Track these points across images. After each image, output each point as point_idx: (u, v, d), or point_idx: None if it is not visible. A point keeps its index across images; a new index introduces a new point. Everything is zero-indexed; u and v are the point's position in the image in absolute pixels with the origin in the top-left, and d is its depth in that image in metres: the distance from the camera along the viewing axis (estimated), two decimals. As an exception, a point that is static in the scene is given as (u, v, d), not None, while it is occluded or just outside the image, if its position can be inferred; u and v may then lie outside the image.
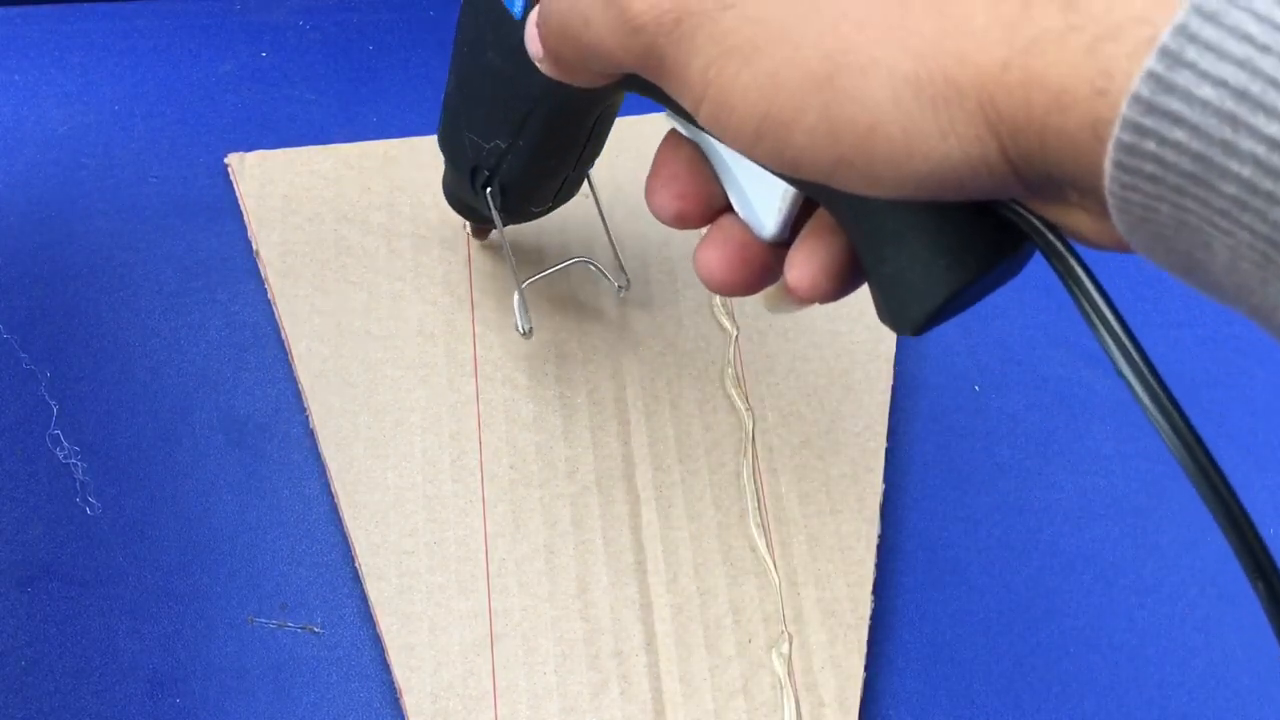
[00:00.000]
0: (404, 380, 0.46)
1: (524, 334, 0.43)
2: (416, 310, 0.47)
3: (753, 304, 0.49)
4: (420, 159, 0.51)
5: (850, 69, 0.23)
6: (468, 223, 0.47)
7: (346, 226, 0.49)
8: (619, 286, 0.48)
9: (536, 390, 0.46)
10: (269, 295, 0.47)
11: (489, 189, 0.40)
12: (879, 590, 0.44)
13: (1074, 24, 0.20)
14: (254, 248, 0.48)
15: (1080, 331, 0.51)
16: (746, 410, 0.46)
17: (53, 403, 0.45)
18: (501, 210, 0.41)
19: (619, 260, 0.48)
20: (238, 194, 0.49)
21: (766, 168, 0.26)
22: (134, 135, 0.52)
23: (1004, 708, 0.43)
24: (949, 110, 0.22)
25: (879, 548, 0.44)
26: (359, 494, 0.43)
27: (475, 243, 0.49)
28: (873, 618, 0.43)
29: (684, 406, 0.46)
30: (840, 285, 0.30)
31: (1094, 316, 0.23)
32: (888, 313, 0.28)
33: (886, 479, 0.46)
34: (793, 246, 0.30)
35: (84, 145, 0.51)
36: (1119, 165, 0.20)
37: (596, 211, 0.47)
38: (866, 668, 0.42)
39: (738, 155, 0.30)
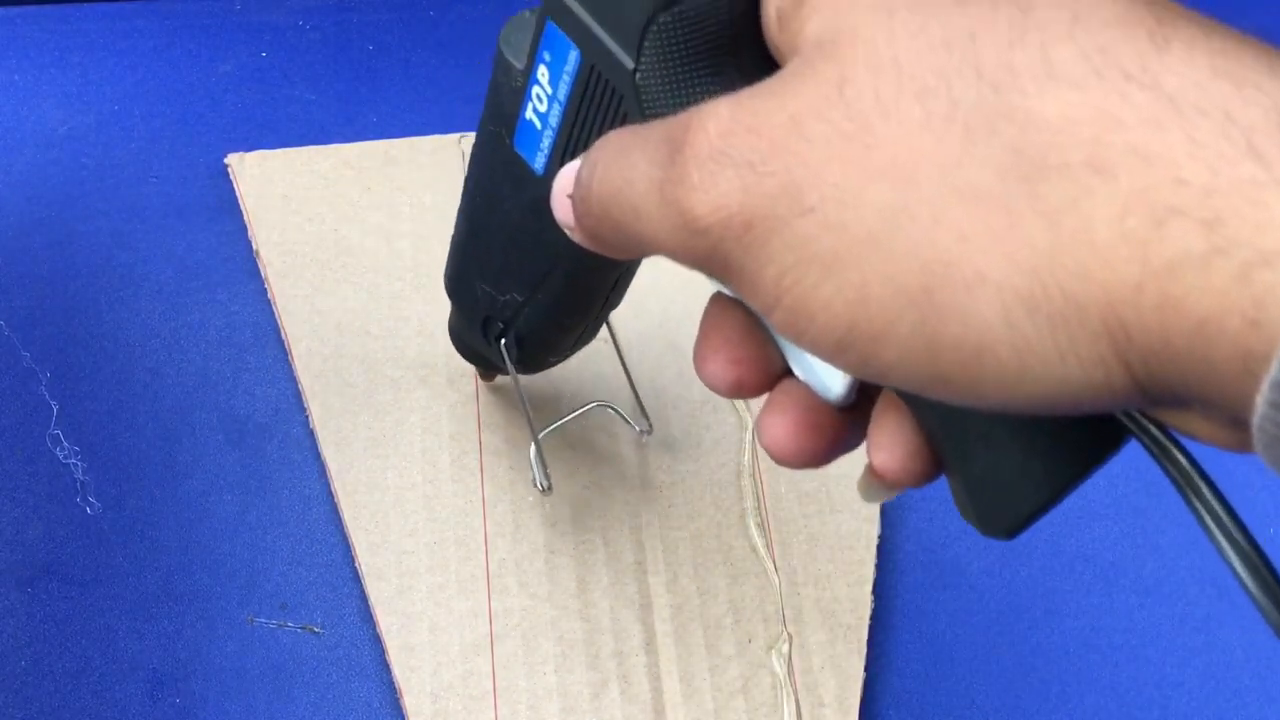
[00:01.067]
0: (404, 380, 0.46)
1: (543, 491, 0.41)
2: (416, 310, 0.47)
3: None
4: (420, 159, 0.51)
5: (952, 283, 0.20)
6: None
7: (346, 226, 0.49)
8: (641, 431, 0.44)
9: (536, 390, 0.46)
10: (269, 295, 0.47)
11: (503, 340, 0.38)
12: (879, 590, 0.44)
13: (1219, 246, 0.18)
14: (254, 248, 0.48)
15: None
16: (746, 410, 0.46)
17: (53, 402, 0.45)
18: (517, 363, 0.39)
19: (640, 403, 0.44)
20: (237, 194, 0.49)
21: (850, 372, 0.24)
22: (134, 135, 0.52)
23: (1004, 708, 0.43)
24: (1069, 330, 0.20)
25: (879, 548, 0.44)
26: (359, 494, 0.43)
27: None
28: (873, 618, 0.43)
29: (684, 406, 0.46)
30: (932, 467, 0.27)
31: (1216, 530, 0.22)
32: (974, 514, 0.25)
33: (886, 479, 0.46)
34: (872, 424, 0.27)
35: (84, 145, 0.51)
36: (1274, 404, 0.18)
37: (613, 350, 0.44)
38: (866, 668, 0.42)
39: None
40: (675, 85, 0.26)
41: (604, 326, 0.41)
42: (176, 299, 0.48)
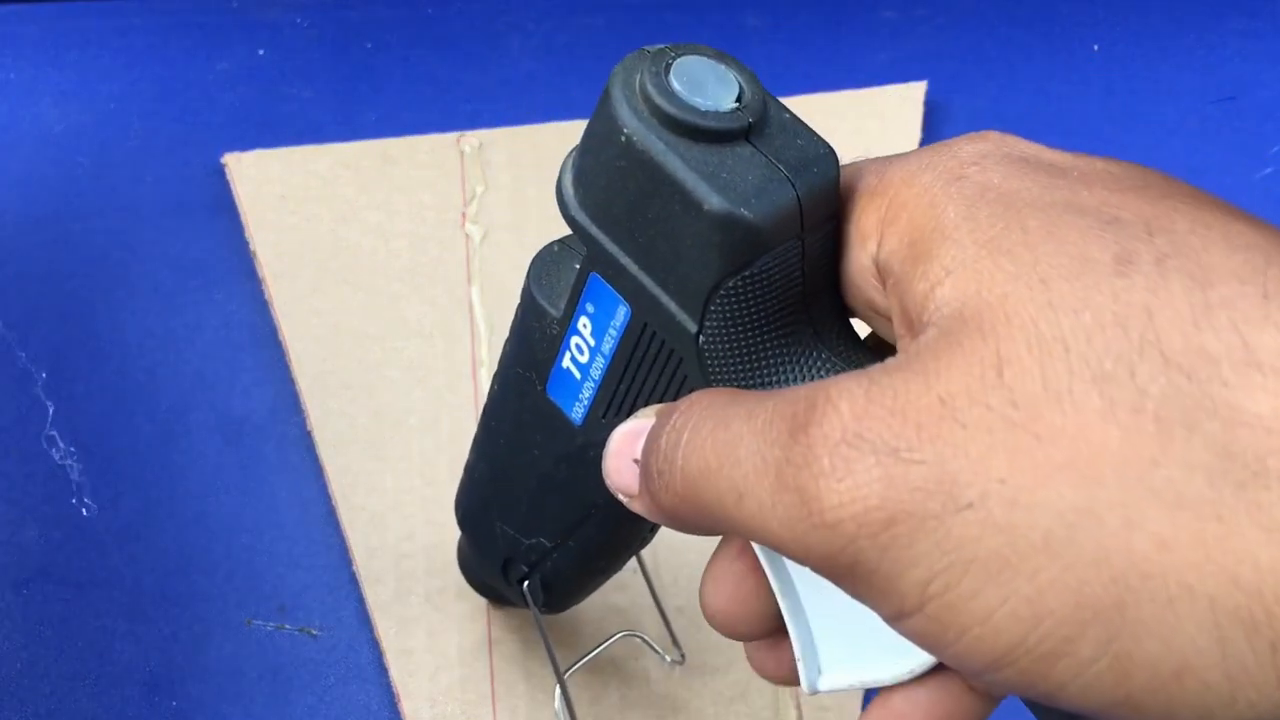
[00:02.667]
0: (402, 381, 0.45)
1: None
2: (415, 311, 0.47)
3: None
4: (418, 159, 0.50)
5: (1151, 597, 0.18)
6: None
7: (344, 226, 0.48)
8: (672, 660, 0.41)
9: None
10: (266, 296, 0.47)
11: (526, 583, 0.35)
12: (881, 593, 0.43)
13: None
14: (251, 248, 0.48)
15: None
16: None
17: (49, 403, 0.45)
18: (541, 604, 0.35)
19: (671, 632, 0.41)
20: (234, 194, 0.49)
21: (991, 687, 0.21)
22: (130, 134, 0.52)
23: (1004, 709, 0.43)
24: None
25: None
26: (356, 496, 0.43)
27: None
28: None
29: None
30: None
31: None
32: None
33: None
34: None
35: (80, 144, 0.51)
36: None
37: (640, 573, 0.41)
38: (868, 672, 0.42)
39: (827, 598, 0.24)
40: (745, 348, 0.24)
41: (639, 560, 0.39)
42: (173, 299, 0.48)
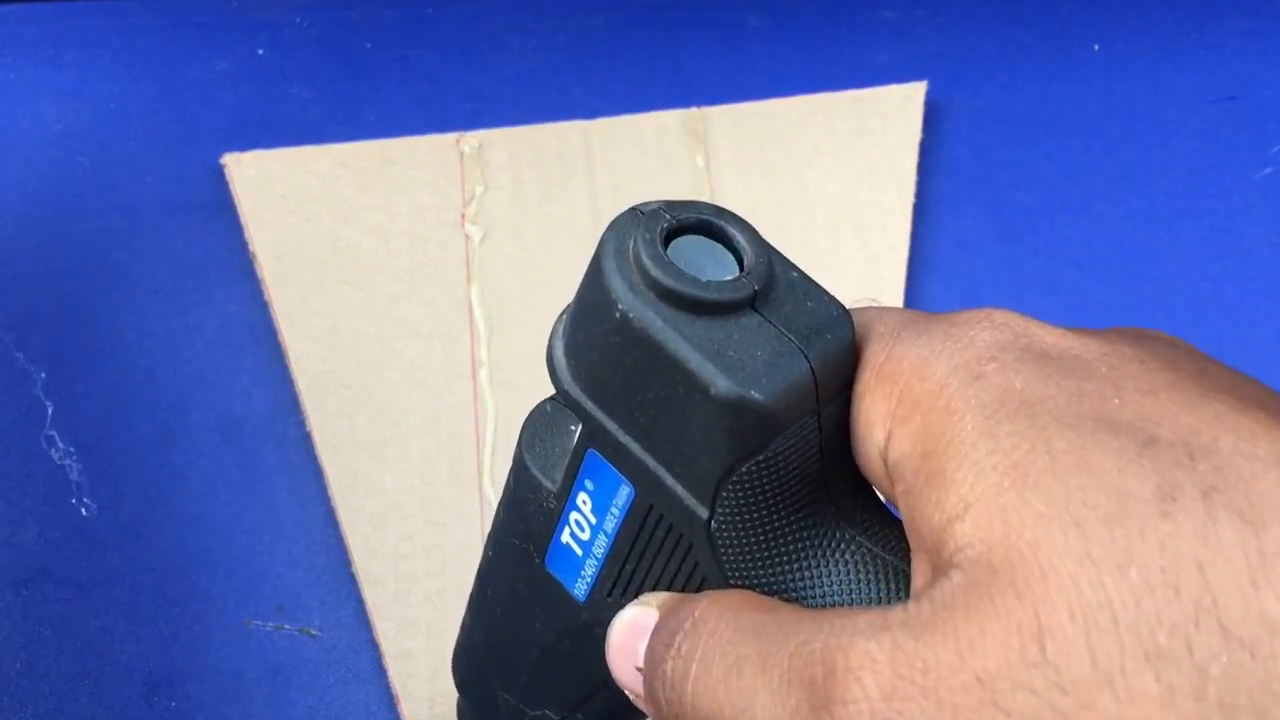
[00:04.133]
0: (401, 382, 0.45)
1: None
2: (414, 311, 0.47)
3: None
4: (418, 159, 0.50)
5: None
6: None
7: (343, 227, 0.48)
8: None
9: (534, 392, 0.45)
10: (265, 296, 0.47)
11: None
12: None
13: None
14: (250, 248, 0.48)
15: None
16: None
17: (48, 403, 0.45)
18: None
19: None
20: (234, 194, 0.49)
21: None
22: (130, 134, 0.51)
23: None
24: None
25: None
26: (356, 497, 0.43)
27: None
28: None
29: None
30: None
31: None
32: None
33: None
34: None
35: (79, 144, 0.51)
36: None
37: None
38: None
39: None
40: (762, 535, 0.22)
41: None
42: (172, 299, 0.48)
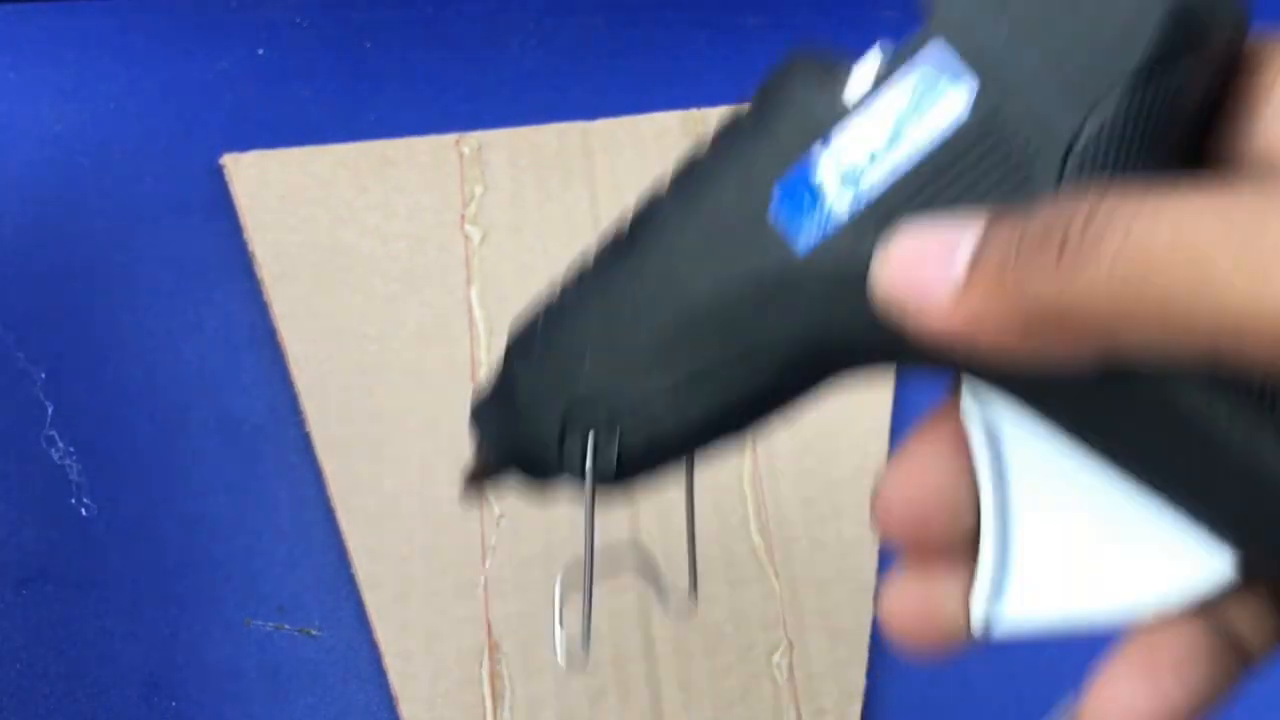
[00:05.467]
0: (401, 383, 0.45)
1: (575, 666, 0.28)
2: (413, 313, 0.47)
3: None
4: (417, 160, 0.50)
5: None
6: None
7: (342, 228, 0.48)
8: (674, 609, 0.35)
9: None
10: (265, 296, 0.47)
11: (592, 439, 0.25)
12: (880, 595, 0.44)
13: None
14: (249, 249, 0.48)
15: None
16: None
17: (48, 403, 0.45)
18: (600, 478, 0.25)
19: (694, 571, 0.31)
20: (233, 194, 0.49)
21: None
22: (130, 134, 0.51)
23: (1006, 713, 0.43)
24: None
25: (880, 552, 0.44)
26: (355, 499, 0.43)
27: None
28: (874, 624, 0.43)
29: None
30: None
31: None
32: None
33: (888, 482, 0.46)
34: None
35: (79, 143, 0.51)
36: None
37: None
38: (867, 674, 0.42)
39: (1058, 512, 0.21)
40: (1127, 164, 0.19)
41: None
42: (172, 299, 0.48)
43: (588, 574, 0.28)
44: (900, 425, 0.48)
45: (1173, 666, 0.20)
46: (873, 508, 0.22)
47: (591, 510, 0.26)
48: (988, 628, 0.21)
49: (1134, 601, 0.20)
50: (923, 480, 0.21)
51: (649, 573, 0.33)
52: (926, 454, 0.22)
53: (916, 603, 0.22)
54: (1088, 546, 0.20)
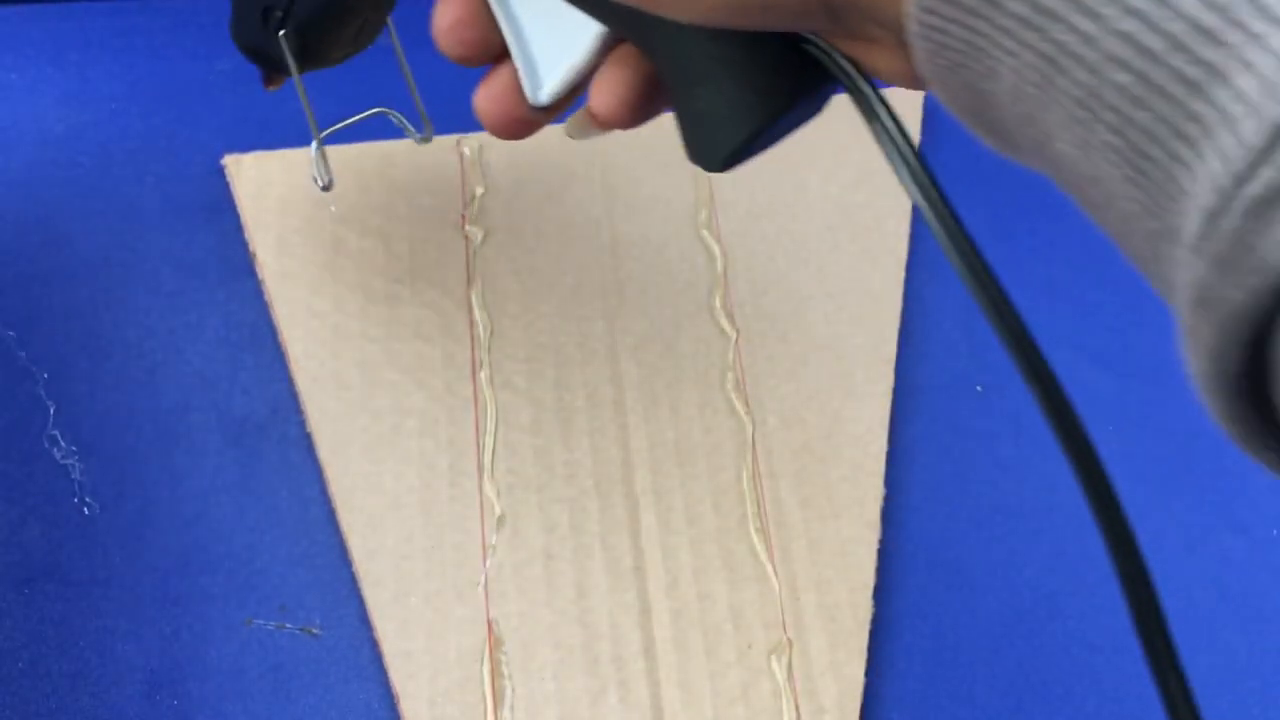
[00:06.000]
0: (401, 383, 0.45)
1: (324, 187, 0.43)
2: (414, 313, 0.47)
3: (753, 306, 0.49)
4: (418, 161, 0.50)
5: None
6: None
7: (343, 228, 0.48)
8: (421, 137, 0.45)
9: (534, 393, 0.46)
10: (266, 297, 0.47)
11: (283, 31, 0.38)
12: (880, 595, 0.44)
13: None
14: (251, 249, 0.48)
15: (1083, 331, 0.51)
16: (747, 414, 0.46)
17: (50, 403, 0.45)
18: (299, 55, 0.39)
19: (420, 108, 0.45)
20: (234, 195, 0.49)
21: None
22: (131, 134, 0.51)
23: (1006, 712, 0.43)
24: None
25: (880, 552, 0.44)
26: (356, 498, 0.43)
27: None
28: (873, 623, 0.43)
29: (684, 410, 0.46)
30: (640, 114, 0.30)
31: (891, 147, 0.25)
32: (696, 150, 0.29)
33: (888, 482, 0.46)
34: (596, 75, 0.30)
35: (81, 144, 0.51)
36: (925, 8, 0.20)
37: (401, 66, 0.45)
38: (867, 673, 0.42)
39: (526, 7, 0.31)
40: None
41: (388, 29, 0.43)
42: (174, 299, 0.48)
43: (313, 124, 0.42)
44: (899, 425, 0.48)
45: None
46: (436, 32, 0.32)
47: (303, 91, 0.41)
48: (538, 100, 0.31)
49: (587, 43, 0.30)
50: (456, 15, 0.31)
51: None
52: (464, 7, 0.31)
53: (495, 99, 0.32)
54: (558, 25, 0.30)
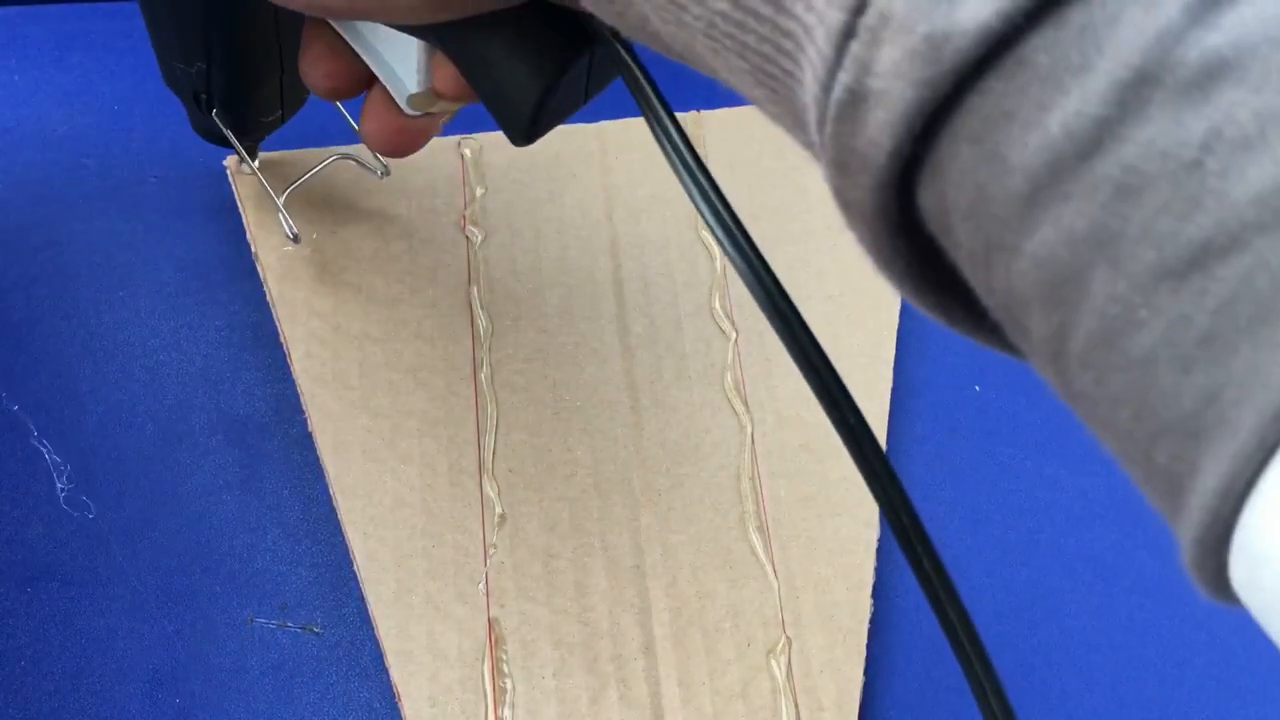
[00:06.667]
0: (402, 383, 0.46)
1: (293, 240, 0.46)
2: (415, 313, 0.47)
3: (753, 306, 0.49)
4: (418, 162, 0.50)
5: None
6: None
7: (345, 229, 0.49)
8: (380, 174, 0.48)
9: (535, 393, 0.46)
10: (268, 297, 0.47)
11: (214, 110, 0.42)
12: (878, 594, 0.44)
13: None
14: (252, 249, 0.48)
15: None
16: (746, 414, 0.46)
17: (52, 403, 0.45)
18: (233, 128, 0.43)
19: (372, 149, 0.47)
20: (236, 196, 0.49)
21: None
22: (134, 135, 0.52)
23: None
24: None
25: (878, 551, 0.44)
26: (357, 498, 0.43)
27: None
28: (872, 622, 0.43)
29: (683, 410, 0.46)
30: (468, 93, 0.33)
31: (650, 116, 0.26)
32: (504, 128, 0.32)
33: (886, 481, 0.46)
34: (435, 64, 0.33)
35: (84, 145, 0.51)
36: None
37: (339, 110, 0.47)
38: (865, 672, 0.42)
39: (369, 30, 0.34)
40: None
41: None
42: (176, 299, 0.48)
43: (269, 189, 0.46)
44: (898, 425, 0.48)
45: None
46: (307, 81, 0.36)
47: (245, 157, 0.46)
48: (405, 99, 0.34)
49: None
50: (327, 67, 0.35)
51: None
52: (320, 51, 0.35)
53: (376, 117, 0.35)
54: (401, 39, 0.33)
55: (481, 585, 0.42)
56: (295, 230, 0.45)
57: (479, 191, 0.50)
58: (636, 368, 0.47)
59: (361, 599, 0.42)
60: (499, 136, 0.51)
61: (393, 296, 0.47)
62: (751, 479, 0.45)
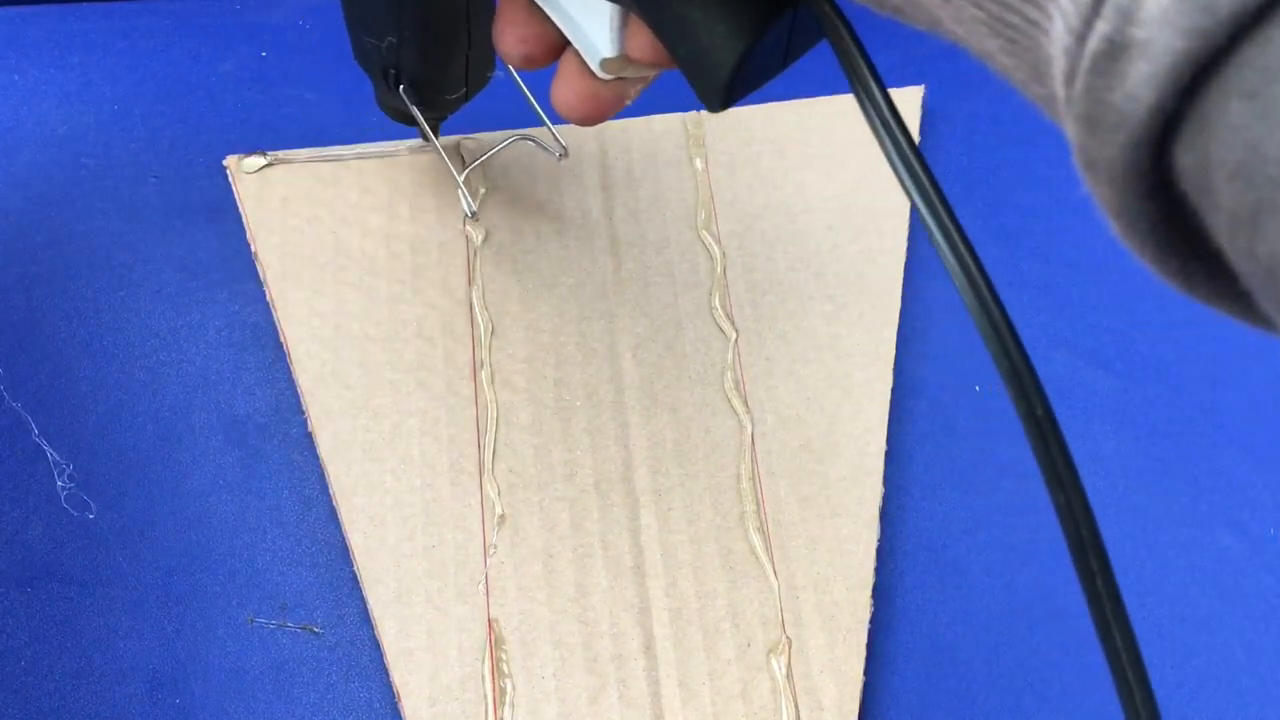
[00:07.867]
0: (402, 383, 0.46)
1: (471, 217, 0.48)
2: (415, 313, 0.47)
3: (752, 307, 0.49)
4: (419, 162, 0.50)
5: None
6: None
7: (345, 229, 0.49)
8: (559, 155, 0.49)
9: (535, 393, 0.46)
10: (268, 297, 0.47)
11: (401, 86, 0.43)
12: (878, 594, 0.44)
13: None
14: (253, 250, 0.48)
15: (1081, 331, 0.51)
16: (746, 414, 0.46)
17: (53, 403, 0.45)
18: (420, 105, 0.44)
19: (552, 131, 0.49)
20: (237, 196, 0.49)
21: None
22: (134, 135, 0.52)
23: (1005, 711, 0.43)
24: None
25: (878, 551, 0.44)
26: (357, 498, 0.43)
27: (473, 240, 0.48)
28: (872, 621, 0.43)
29: (683, 410, 0.46)
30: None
31: (854, 78, 0.24)
32: (699, 94, 0.30)
33: (886, 481, 0.46)
34: (630, 26, 0.32)
35: (83, 145, 0.51)
36: None
37: (522, 92, 0.48)
38: (865, 672, 0.42)
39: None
40: None
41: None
42: (176, 299, 0.48)
43: (450, 166, 0.48)
44: (898, 425, 0.48)
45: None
46: (499, 49, 0.35)
47: (430, 135, 0.47)
48: (598, 62, 0.33)
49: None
50: (521, 32, 0.34)
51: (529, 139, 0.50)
52: (513, 18, 0.34)
53: (568, 82, 0.34)
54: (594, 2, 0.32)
55: (481, 585, 0.42)
56: (474, 207, 0.48)
57: (480, 191, 0.50)
58: (636, 368, 0.47)
59: (361, 599, 0.42)
60: (499, 136, 0.51)
61: (393, 296, 0.47)
62: (751, 479, 0.45)
